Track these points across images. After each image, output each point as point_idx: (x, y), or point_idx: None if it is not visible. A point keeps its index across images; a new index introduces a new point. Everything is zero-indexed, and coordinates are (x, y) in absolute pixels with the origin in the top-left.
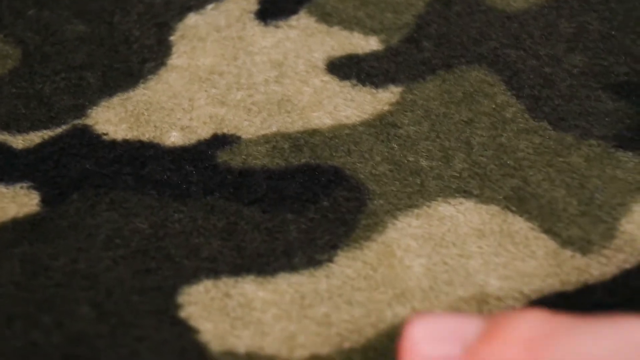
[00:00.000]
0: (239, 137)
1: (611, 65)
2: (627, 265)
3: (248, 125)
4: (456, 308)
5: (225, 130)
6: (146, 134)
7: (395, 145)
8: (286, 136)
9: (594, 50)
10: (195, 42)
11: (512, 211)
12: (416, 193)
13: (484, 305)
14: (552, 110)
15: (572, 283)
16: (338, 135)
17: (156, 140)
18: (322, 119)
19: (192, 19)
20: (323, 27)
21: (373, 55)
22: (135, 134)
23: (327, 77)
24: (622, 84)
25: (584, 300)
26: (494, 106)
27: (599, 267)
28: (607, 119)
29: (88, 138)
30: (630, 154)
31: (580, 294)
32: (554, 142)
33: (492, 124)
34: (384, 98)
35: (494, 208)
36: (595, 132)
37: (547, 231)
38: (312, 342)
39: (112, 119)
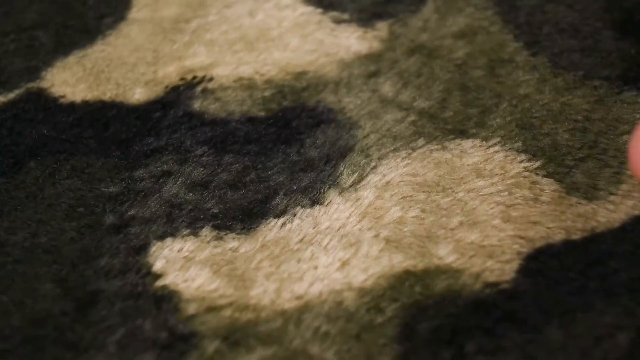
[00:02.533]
0: (211, 78)
1: (614, 2)
2: (637, 212)
3: (223, 66)
4: (461, 252)
5: (196, 74)
6: (107, 93)
7: (384, 88)
8: (268, 81)
9: None
10: None
11: (514, 151)
12: (410, 134)
13: (482, 250)
14: (551, 48)
15: (578, 230)
16: (323, 76)
17: (119, 99)
18: (305, 57)
19: None
20: None
21: None
22: (95, 94)
23: (309, 9)
24: (625, 21)
25: (591, 248)
26: (490, 43)
27: (606, 214)
28: (609, 57)
29: (44, 102)
30: (635, 92)
31: (587, 242)
32: (553, 81)
33: (489, 62)
34: (372, 34)
35: (493, 147)
36: (597, 72)
37: (551, 175)
38: (299, 289)
39: (69, 79)
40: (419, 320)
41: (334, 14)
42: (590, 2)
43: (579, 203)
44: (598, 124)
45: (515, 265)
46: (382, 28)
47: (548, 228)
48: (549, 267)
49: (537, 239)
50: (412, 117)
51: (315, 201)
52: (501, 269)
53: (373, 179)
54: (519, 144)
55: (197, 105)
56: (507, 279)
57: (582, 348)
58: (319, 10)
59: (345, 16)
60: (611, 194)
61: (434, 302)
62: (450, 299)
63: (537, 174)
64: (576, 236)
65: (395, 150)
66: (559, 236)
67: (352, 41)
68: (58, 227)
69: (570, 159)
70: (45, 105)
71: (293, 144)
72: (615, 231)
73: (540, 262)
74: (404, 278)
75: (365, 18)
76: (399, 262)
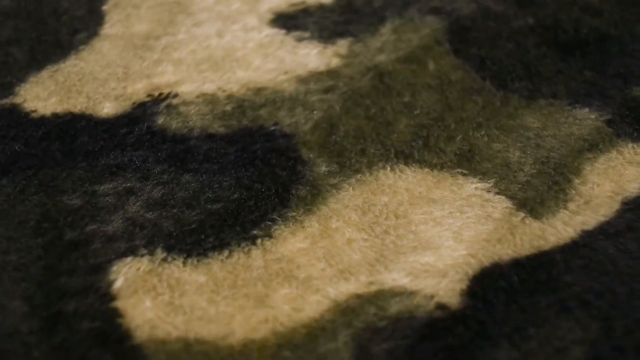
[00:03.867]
0: (176, 94)
1: (558, 22)
2: (587, 227)
3: (188, 83)
4: (415, 275)
5: (163, 91)
6: (78, 106)
7: (337, 106)
8: (229, 97)
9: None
10: (130, 9)
11: (463, 174)
12: (356, 160)
13: (436, 271)
14: (498, 70)
15: (526, 249)
16: (281, 92)
17: (88, 112)
18: (266, 75)
19: None
20: None
21: (322, 8)
22: (65, 107)
23: (274, 30)
24: (569, 41)
25: (541, 265)
26: (439, 67)
27: (555, 232)
28: (557, 77)
29: (16, 118)
30: (587, 110)
31: (536, 260)
32: (500, 103)
33: (438, 85)
34: (331, 52)
35: (441, 173)
36: (544, 91)
37: (503, 192)
38: (248, 325)
39: (41, 94)
40: (374, 342)
41: (297, 33)
42: (528, 31)
43: (528, 220)
44: (550, 140)
45: (464, 285)
46: (343, 45)
47: (497, 247)
48: (497, 287)
49: (485, 258)
50: (360, 144)
51: (264, 233)
52: (453, 289)
53: (321, 209)
54: (467, 165)
55: (160, 121)
56: (457, 301)
57: None
58: (283, 31)
59: (307, 34)
60: (559, 211)
61: (389, 322)
62: (405, 320)
63: (489, 191)
64: (524, 254)
65: (344, 177)
66: (507, 255)
67: (311, 58)
68: (26, 245)
69: (522, 176)
70: (18, 120)
71: (248, 169)
72: (566, 247)
73: (488, 283)
74: (356, 303)
75: (326, 36)
76: (350, 288)
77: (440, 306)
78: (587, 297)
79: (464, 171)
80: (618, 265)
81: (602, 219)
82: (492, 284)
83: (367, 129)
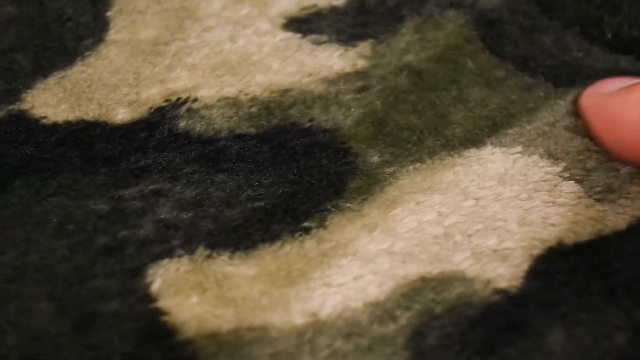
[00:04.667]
0: (196, 99)
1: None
2: None
3: (206, 88)
4: (476, 258)
5: (180, 96)
6: (90, 113)
7: (377, 102)
8: (253, 99)
9: None
10: (135, 15)
11: (536, 156)
12: (415, 149)
13: (496, 255)
14: (544, 69)
15: (587, 233)
16: (308, 91)
17: (102, 119)
18: (289, 78)
19: None
20: None
21: (335, 10)
22: (77, 114)
23: (288, 34)
24: (609, 39)
25: (597, 250)
26: (478, 66)
27: (614, 216)
28: (603, 72)
29: (25, 123)
30: None
31: (594, 244)
32: (560, 96)
33: (486, 81)
34: (354, 53)
35: (514, 155)
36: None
37: (572, 177)
38: (307, 308)
39: (50, 100)
40: (430, 328)
41: (313, 36)
42: (562, 28)
43: (593, 205)
44: None
45: (525, 266)
46: (365, 47)
47: (561, 230)
48: (557, 269)
49: (549, 239)
50: (414, 135)
51: (318, 224)
52: (512, 273)
53: (380, 197)
54: (541, 150)
55: (182, 124)
56: (516, 283)
57: (582, 349)
58: (298, 35)
59: (324, 38)
60: (622, 196)
61: (446, 309)
62: (461, 306)
63: (560, 177)
64: (584, 238)
65: (401, 166)
66: (570, 238)
67: (334, 60)
68: (48, 245)
69: (591, 162)
70: (27, 126)
71: (290, 165)
72: (621, 233)
73: (550, 262)
74: (419, 285)
75: (345, 39)
76: (413, 270)
77: (498, 291)
78: (634, 284)
79: (535, 153)
80: None
81: None
82: (552, 267)
83: (419, 122)
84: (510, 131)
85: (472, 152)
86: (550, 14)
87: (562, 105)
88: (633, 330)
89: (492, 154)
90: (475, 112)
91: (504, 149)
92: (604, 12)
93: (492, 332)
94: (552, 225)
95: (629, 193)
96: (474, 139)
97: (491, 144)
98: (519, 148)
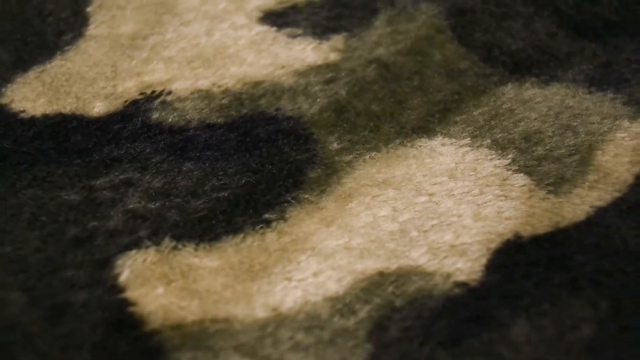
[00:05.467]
0: (170, 91)
1: (559, 10)
2: (601, 203)
3: (181, 80)
4: (434, 254)
5: (155, 89)
6: (67, 107)
7: (342, 92)
8: (225, 91)
9: None
10: (115, 10)
11: (482, 147)
12: (371, 137)
13: (454, 250)
14: (509, 55)
15: (544, 225)
16: (279, 83)
17: (79, 112)
18: (262, 70)
19: None
20: None
21: (311, 4)
22: (55, 108)
23: (264, 27)
24: (583, 22)
25: (556, 242)
26: (445, 57)
27: (572, 208)
28: (571, 60)
29: (4, 118)
30: (603, 93)
31: (552, 237)
32: (518, 82)
33: (448, 73)
34: (327, 47)
35: (460, 147)
36: (560, 75)
37: (522, 169)
38: (268, 303)
39: (29, 94)
40: (391, 320)
41: (289, 30)
42: (533, 14)
43: (547, 198)
44: (570, 111)
45: (484, 260)
46: (338, 40)
47: (516, 224)
48: (516, 262)
49: (506, 233)
50: (371, 122)
51: (278, 216)
52: (471, 267)
53: (337, 188)
54: (488, 140)
55: (155, 116)
56: (475, 277)
57: (547, 340)
58: (274, 28)
59: (299, 31)
60: (577, 186)
61: (406, 302)
62: (422, 299)
63: (508, 169)
64: (542, 231)
65: (358, 154)
66: (526, 231)
67: (307, 53)
68: (22, 237)
69: (542, 149)
70: (6, 120)
71: (253, 152)
72: (580, 224)
73: (508, 256)
74: (378, 280)
75: (319, 32)
76: (371, 265)
77: (459, 284)
78: (597, 277)
79: (483, 144)
80: (629, 243)
81: (617, 194)
82: (511, 259)
83: (378, 108)
84: (458, 118)
85: (424, 142)
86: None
87: (509, 88)
88: (598, 321)
89: (443, 145)
90: (429, 98)
91: (453, 140)
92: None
93: (454, 324)
94: (507, 219)
95: (584, 182)
96: (425, 127)
97: (441, 134)
98: (468, 140)
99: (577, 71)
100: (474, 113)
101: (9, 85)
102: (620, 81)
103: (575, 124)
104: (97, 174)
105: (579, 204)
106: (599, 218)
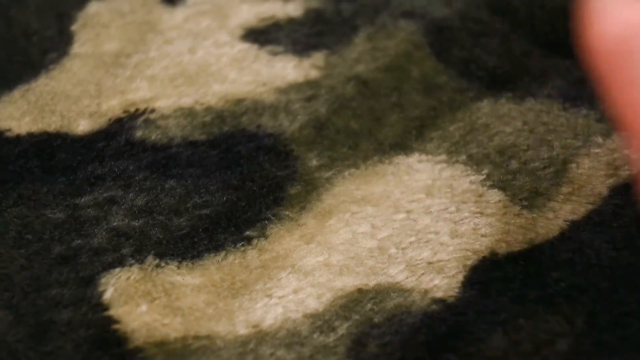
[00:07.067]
0: (153, 109)
1: (534, 26)
2: (575, 216)
3: (164, 98)
4: (412, 271)
5: (139, 107)
6: (52, 125)
7: (322, 109)
8: (207, 109)
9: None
10: (99, 29)
11: (458, 163)
12: (350, 153)
13: (431, 267)
14: (485, 71)
15: (519, 242)
16: (260, 100)
17: (64, 130)
18: (244, 87)
19: (93, 7)
20: None
21: (293, 21)
22: (40, 126)
23: (246, 45)
24: (551, 41)
25: (531, 259)
26: (422, 72)
27: (545, 223)
28: (545, 76)
29: None
30: (575, 110)
31: (527, 253)
32: (494, 98)
33: (425, 89)
34: (308, 64)
35: (437, 163)
36: (534, 92)
37: (496, 184)
38: (250, 319)
39: (14, 113)
40: (370, 336)
41: (270, 47)
42: (509, 31)
43: (521, 213)
44: (545, 126)
45: (460, 277)
46: (319, 57)
47: (492, 241)
48: (492, 278)
49: (482, 250)
50: (350, 139)
51: (259, 233)
52: (448, 283)
53: (316, 205)
54: (464, 156)
55: (139, 134)
56: (453, 293)
57: (523, 354)
58: (256, 45)
59: (281, 48)
60: (551, 199)
61: (385, 318)
62: (400, 315)
63: (484, 185)
64: (517, 248)
65: (337, 171)
66: (501, 248)
67: (288, 70)
68: (8, 255)
69: (516, 163)
70: None
71: (234, 169)
72: (554, 240)
73: (484, 272)
74: (357, 297)
75: (300, 49)
76: (350, 282)
77: (436, 301)
78: (572, 293)
79: (459, 160)
80: (602, 258)
81: (590, 207)
82: (487, 276)
83: (357, 125)
84: (435, 134)
85: (401, 159)
86: (502, 17)
87: (485, 104)
88: (574, 336)
89: (419, 162)
90: (406, 114)
91: (430, 156)
92: (552, 17)
93: (432, 339)
94: (483, 236)
95: (558, 195)
96: (403, 143)
97: (418, 150)
98: (444, 156)
99: (552, 87)
100: (450, 128)
101: None
102: (594, 98)
103: (550, 138)
104: (82, 192)
105: (552, 218)
106: (572, 233)
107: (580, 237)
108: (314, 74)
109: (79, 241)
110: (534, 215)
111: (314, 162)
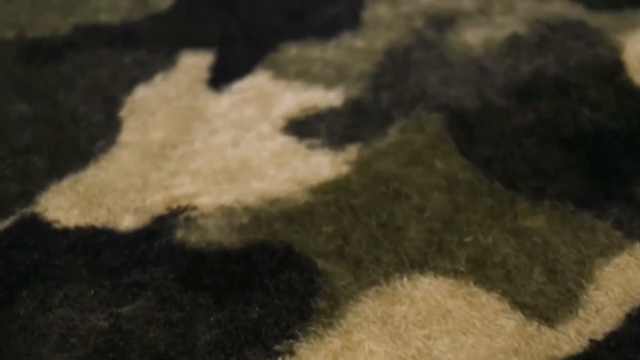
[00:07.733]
0: (194, 207)
1: (557, 116)
2: (597, 337)
3: (206, 195)
4: None
5: (181, 203)
6: (99, 219)
7: (348, 216)
8: (246, 209)
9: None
10: (146, 116)
11: (475, 282)
12: (373, 270)
13: None
14: (504, 169)
15: (541, 358)
16: (293, 205)
17: (110, 225)
18: (280, 186)
19: (141, 91)
20: (281, 82)
21: (333, 111)
22: (87, 220)
23: (286, 138)
24: (570, 135)
25: None
26: (446, 167)
27: (568, 341)
28: (561, 175)
29: (38, 227)
30: (593, 212)
31: None
32: (508, 205)
33: (446, 186)
34: (341, 159)
35: (454, 281)
36: (549, 192)
37: (514, 303)
38: None
39: (63, 204)
40: None
41: (309, 141)
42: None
43: (543, 329)
44: (557, 244)
45: None
46: (352, 151)
47: (514, 358)
48: None
49: None
50: (373, 252)
51: (286, 349)
52: None
53: (341, 323)
54: (479, 271)
55: (179, 235)
56: None
57: None
58: (295, 137)
59: (319, 142)
60: (573, 318)
61: None
62: None
63: (501, 301)
64: None
65: (361, 288)
66: None
67: (322, 167)
68: (49, 358)
69: (533, 283)
70: (39, 230)
71: (265, 284)
72: (578, 358)
73: None
74: None
75: (337, 141)
76: None
77: None
78: None
79: (476, 279)
80: None
81: (609, 329)
82: None
83: (379, 235)
84: (454, 249)
85: (417, 277)
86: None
87: (507, 209)
88: None
89: (435, 276)
90: (427, 225)
91: (445, 273)
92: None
93: None
94: (503, 353)
95: (579, 315)
96: (421, 260)
97: (433, 267)
98: (460, 269)
99: (567, 186)
100: (467, 244)
101: (44, 193)
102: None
103: (565, 256)
104: (124, 302)
105: (575, 336)
106: (594, 353)
107: (601, 357)
108: (345, 169)
109: (120, 352)
110: (556, 332)
111: (340, 281)
